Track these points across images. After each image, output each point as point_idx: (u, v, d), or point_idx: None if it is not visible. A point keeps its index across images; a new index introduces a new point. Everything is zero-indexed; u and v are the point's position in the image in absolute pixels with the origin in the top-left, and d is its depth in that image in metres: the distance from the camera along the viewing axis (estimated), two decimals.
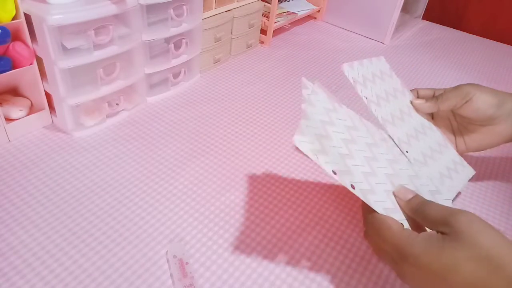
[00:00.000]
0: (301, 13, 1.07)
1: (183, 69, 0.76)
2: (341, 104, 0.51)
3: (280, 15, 1.01)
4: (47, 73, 0.58)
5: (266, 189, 0.58)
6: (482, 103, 0.52)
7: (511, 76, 0.98)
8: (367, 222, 0.42)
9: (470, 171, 0.59)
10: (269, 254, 0.49)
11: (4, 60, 0.55)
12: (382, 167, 0.46)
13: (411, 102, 0.57)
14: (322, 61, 0.95)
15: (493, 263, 0.33)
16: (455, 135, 0.59)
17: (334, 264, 0.49)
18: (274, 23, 0.96)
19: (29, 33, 0.55)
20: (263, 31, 0.97)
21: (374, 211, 0.40)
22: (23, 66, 0.57)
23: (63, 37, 0.55)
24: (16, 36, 0.55)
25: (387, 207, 0.42)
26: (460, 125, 0.58)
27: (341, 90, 0.84)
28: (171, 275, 0.45)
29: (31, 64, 0.58)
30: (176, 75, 0.75)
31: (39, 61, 0.58)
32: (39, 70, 0.59)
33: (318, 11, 1.15)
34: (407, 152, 0.52)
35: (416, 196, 0.42)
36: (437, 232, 0.37)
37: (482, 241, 0.34)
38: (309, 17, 1.17)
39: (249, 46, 0.95)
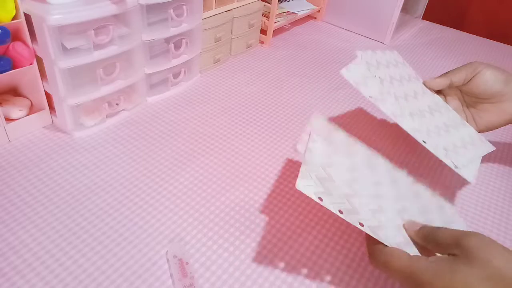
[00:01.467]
0: (301, 13, 1.07)
1: (183, 69, 0.76)
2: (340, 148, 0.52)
3: (280, 15, 1.01)
4: (47, 73, 0.58)
5: (266, 189, 0.58)
6: (490, 76, 0.56)
7: None
8: (373, 255, 0.41)
9: (489, 147, 0.60)
10: (269, 254, 0.49)
11: (4, 60, 0.55)
12: (390, 204, 0.46)
13: (423, 82, 0.60)
14: (322, 61, 0.95)
15: (506, 283, 0.33)
16: (465, 115, 0.61)
17: (334, 264, 0.49)
18: (274, 23, 0.96)
19: (29, 33, 0.55)
20: (263, 31, 0.97)
21: (379, 242, 0.40)
22: (23, 66, 0.57)
23: (63, 37, 0.55)
24: (16, 36, 0.55)
25: (399, 241, 0.41)
26: (469, 105, 0.61)
27: (341, 90, 0.84)
28: (171, 275, 0.45)
29: (31, 64, 0.58)
30: (176, 75, 0.75)
31: (39, 61, 0.58)
32: (39, 70, 0.59)
33: (318, 11, 1.15)
34: (423, 139, 0.53)
35: (425, 225, 0.42)
36: (448, 255, 0.37)
37: (494, 260, 0.34)
38: (309, 17, 1.16)
39: (249, 46, 0.95)
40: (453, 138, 0.56)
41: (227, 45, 0.88)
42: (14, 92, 0.65)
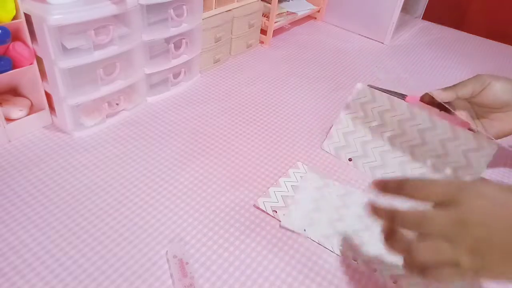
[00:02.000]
0: (301, 13, 1.07)
1: (183, 69, 0.76)
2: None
3: (280, 15, 1.01)
4: (47, 73, 0.58)
5: (266, 189, 0.58)
6: (499, 88, 0.55)
7: None
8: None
9: (493, 148, 0.58)
10: (269, 254, 0.49)
11: (4, 60, 0.55)
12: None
13: (431, 93, 0.59)
14: (322, 61, 0.95)
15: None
16: (476, 125, 0.61)
17: (334, 264, 0.49)
18: (274, 23, 0.96)
19: (29, 33, 0.55)
20: (263, 31, 0.97)
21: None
22: (23, 66, 0.57)
23: (63, 37, 0.55)
24: (16, 36, 0.55)
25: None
26: (479, 115, 0.61)
27: (340, 90, 0.84)
28: (171, 275, 0.45)
29: (31, 64, 0.58)
30: (176, 75, 0.75)
31: (39, 61, 0.58)
32: (39, 70, 0.59)
33: (318, 11, 1.15)
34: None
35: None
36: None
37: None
38: (309, 17, 1.17)
39: (249, 46, 0.95)
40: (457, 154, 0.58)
41: (227, 45, 0.88)
42: (14, 92, 0.65)
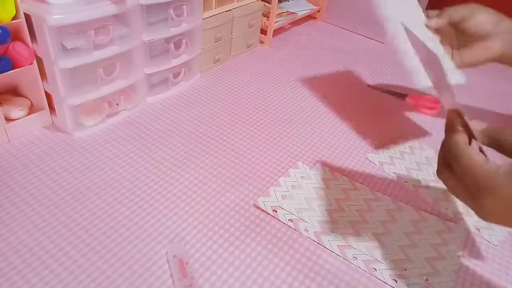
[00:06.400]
0: (301, 13, 1.07)
1: (183, 69, 0.76)
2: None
3: (280, 15, 1.01)
4: (47, 73, 0.58)
5: (265, 189, 0.58)
6: (485, 17, 0.60)
7: None
8: (448, 152, 0.39)
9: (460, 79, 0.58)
10: (269, 254, 0.49)
11: (4, 60, 0.55)
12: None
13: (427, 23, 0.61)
14: (322, 61, 0.95)
15: None
16: (453, 50, 0.63)
17: (334, 264, 0.49)
18: (274, 23, 0.96)
19: (29, 33, 0.55)
20: (263, 31, 0.97)
21: (457, 143, 0.38)
22: (23, 66, 0.57)
23: (63, 37, 0.55)
24: (16, 36, 0.55)
25: None
26: (459, 42, 0.63)
27: (341, 90, 0.84)
28: (171, 275, 0.45)
29: (31, 64, 0.58)
30: (176, 75, 0.75)
31: (39, 61, 0.58)
32: (39, 70, 0.59)
33: (318, 11, 1.15)
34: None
35: (490, 126, 0.40)
36: None
37: None
38: (309, 17, 1.16)
39: (249, 46, 0.95)
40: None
41: (227, 45, 0.88)
42: (14, 92, 0.65)
